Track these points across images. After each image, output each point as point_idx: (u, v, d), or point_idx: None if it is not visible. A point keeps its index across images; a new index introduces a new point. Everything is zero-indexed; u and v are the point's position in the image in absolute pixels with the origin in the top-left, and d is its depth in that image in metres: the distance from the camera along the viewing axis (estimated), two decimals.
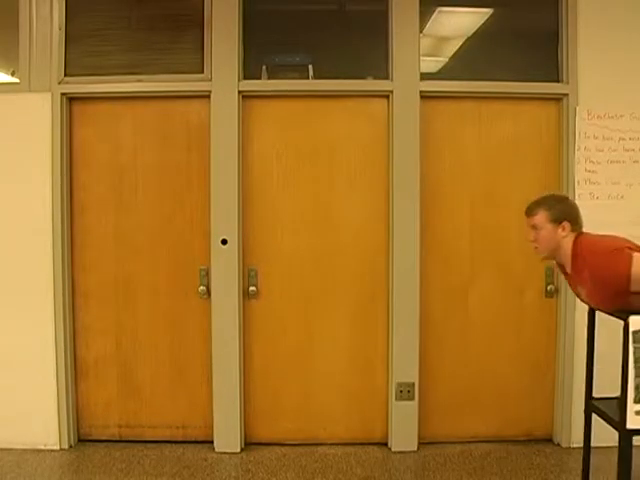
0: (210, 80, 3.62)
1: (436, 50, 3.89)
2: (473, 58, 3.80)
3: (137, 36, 3.70)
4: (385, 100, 3.67)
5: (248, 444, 3.75)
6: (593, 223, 3.80)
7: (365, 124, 3.71)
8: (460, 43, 3.86)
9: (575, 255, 2.56)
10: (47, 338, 3.63)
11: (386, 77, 3.65)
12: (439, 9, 3.76)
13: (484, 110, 3.74)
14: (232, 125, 3.61)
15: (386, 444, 3.75)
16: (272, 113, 3.72)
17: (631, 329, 2.43)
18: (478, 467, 3.48)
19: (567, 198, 2.85)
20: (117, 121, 3.72)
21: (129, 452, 3.64)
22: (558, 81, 3.69)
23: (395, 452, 3.65)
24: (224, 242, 3.61)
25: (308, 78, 3.70)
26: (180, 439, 3.79)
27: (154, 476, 3.37)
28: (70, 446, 3.70)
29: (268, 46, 3.73)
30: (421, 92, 3.63)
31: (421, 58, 3.65)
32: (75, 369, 3.75)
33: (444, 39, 3.90)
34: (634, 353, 2.44)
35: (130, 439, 3.78)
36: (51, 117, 3.59)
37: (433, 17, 3.75)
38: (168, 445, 3.73)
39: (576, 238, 2.59)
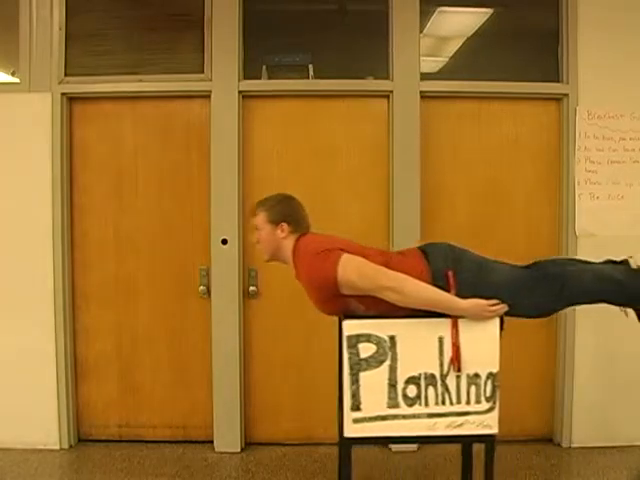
0: (210, 80, 3.62)
1: (436, 50, 3.89)
2: (473, 58, 3.80)
3: (137, 36, 3.69)
4: (385, 100, 3.67)
5: (248, 444, 3.76)
6: (593, 223, 3.82)
7: (365, 124, 3.71)
8: (460, 43, 3.87)
9: (294, 257, 2.45)
10: (47, 338, 3.63)
11: (386, 77, 3.65)
12: (439, 9, 3.76)
13: (484, 110, 3.74)
14: (232, 125, 3.61)
15: (386, 444, 3.74)
16: (272, 113, 3.72)
17: (345, 334, 2.32)
18: (478, 467, 3.47)
19: (290, 198, 2.60)
20: (117, 121, 3.72)
21: (129, 452, 3.64)
22: (558, 81, 3.69)
23: (395, 452, 3.65)
24: (224, 242, 3.62)
25: (308, 78, 3.70)
26: (180, 439, 3.79)
27: (154, 476, 3.37)
28: (70, 446, 3.70)
29: (268, 46, 3.72)
30: (421, 92, 3.63)
31: (421, 58, 3.65)
32: (75, 369, 3.75)
33: (444, 39, 3.90)
34: (349, 359, 2.33)
35: (130, 439, 3.78)
36: (51, 117, 3.59)
37: (433, 17, 3.75)
38: (168, 445, 3.73)
39: (297, 239, 2.47)
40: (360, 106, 3.73)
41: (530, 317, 2.56)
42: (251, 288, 3.68)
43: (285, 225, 2.46)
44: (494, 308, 2.31)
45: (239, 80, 3.62)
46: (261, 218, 2.49)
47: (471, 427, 2.37)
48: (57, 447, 3.67)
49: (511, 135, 3.75)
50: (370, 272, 2.28)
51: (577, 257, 2.75)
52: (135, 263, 3.74)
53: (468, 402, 2.35)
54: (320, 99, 3.71)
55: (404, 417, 2.35)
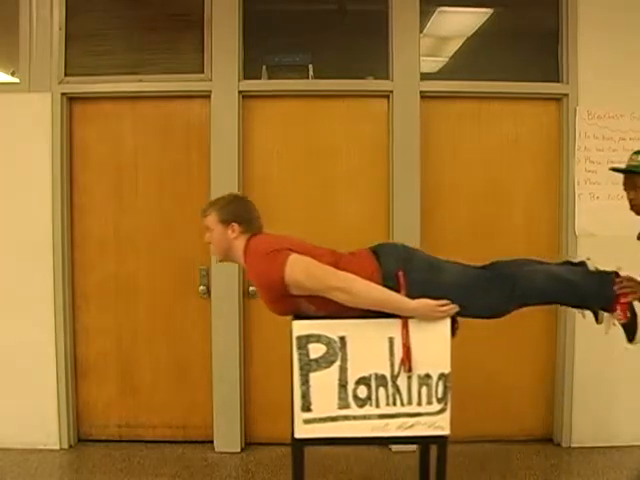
0: (210, 80, 3.62)
1: (436, 50, 3.89)
2: (473, 58, 3.81)
3: (137, 36, 3.70)
4: (385, 100, 3.67)
5: (248, 444, 3.76)
6: (593, 223, 3.82)
7: (365, 124, 3.71)
8: (460, 43, 3.87)
9: (245, 257, 2.43)
10: (47, 338, 3.63)
11: (386, 77, 3.65)
12: (439, 9, 3.76)
13: (484, 110, 3.74)
14: (232, 125, 3.61)
15: (386, 444, 3.74)
16: (272, 113, 3.72)
17: (295, 334, 2.31)
18: (478, 467, 3.48)
19: (241, 199, 2.62)
20: (117, 121, 3.72)
21: (129, 452, 3.64)
22: (558, 81, 3.69)
23: (395, 452, 3.65)
24: None
25: (308, 78, 3.70)
26: (180, 439, 3.79)
27: (154, 476, 3.37)
28: (70, 446, 3.70)
29: (268, 46, 3.72)
30: (421, 92, 3.63)
31: (421, 58, 3.65)
32: (75, 369, 3.75)
33: (444, 39, 3.90)
34: (299, 360, 2.32)
35: (130, 439, 3.78)
36: (51, 117, 3.59)
37: (433, 17, 3.75)
38: (168, 445, 3.73)
39: (248, 240, 2.44)
40: (360, 106, 3.73)
41: (482, 317, 2.54)
42: (251, 288, 3.68)
43: (236, 225, 2.43)
44: (444, 308, 2.30)
45: (239, 80, 3.62)
46: (212, 218, 2.46)
47: (423, 428, 2.34)
48: (57, 447, 3.67)
49: (511, 135, 3.75)
50: (318, 272, 2.26)
51: (536, 258, 2.71)
52: (135, 263, 3.74)
53: (419, 403, 2.33)
54: (320, 99, 3.71)
55: (355, 418, 2.33)
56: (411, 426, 2.34)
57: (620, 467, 3.46)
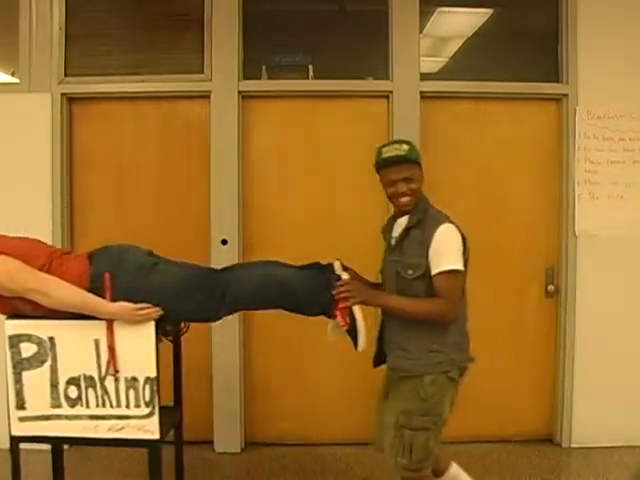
0: (210, 80, 3.62)
1: (436, 50, 3.89)
2: (473, 58, 3.81)
3: (137, 36, 3.70)
4: (385, 100, 3.67)
5: (248, 444, 3.75)
6: (593, 223, 3.82)
7: (365, 124, 3.71)
8: (460, 43, 3.87)
9: None
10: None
11: (386, 77, 3.65)
12: (439, 9, 3.76)
13: (484, 110, 3.74)
14: (232, 125, 3.61)
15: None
16: (272, 113, 3.72)
17: (7, 333, 2.33)
18: (478, 467, 3.48)
19: None
20: (117, 121, 3.72)
21: (129, 452, 3.63)
22: (558, 81, 3.69)
23: None
24: (224, 242, 3.61)
25: (308, 78, 3.70)
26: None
27: None
28: (70, 446, 3.69)
29: (268, 46, 3.72)
30: (421, 92, 3.63)
31: (421, 58, 3.65)
32: None
33: (444, 39, 3.91)
34: (12, 358, 2.34)
35: None
36: (51, 117, 3.59)
37: (433, 17, 3.75)
38: (168, 445, 3.72)
39: None
40: (360, 106, 3.73)
41: (197, 321, 2.60)
42: None
43: None
44: (143, 312, 2.30)
45: (239, 80, 3.62)
46: None
47: (132, 431, 2.37)
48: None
49: (511, 135, 3.75)
50: (20, 275, 2.26)
51: (279, 261, 2.60)
52: None
53: (128, 406, 2.36)
54: (320, 99, 3.71)
55: (67, 417, 2.37)
56: (121, 428, 2.38)
57: (620, 467, 3.46)
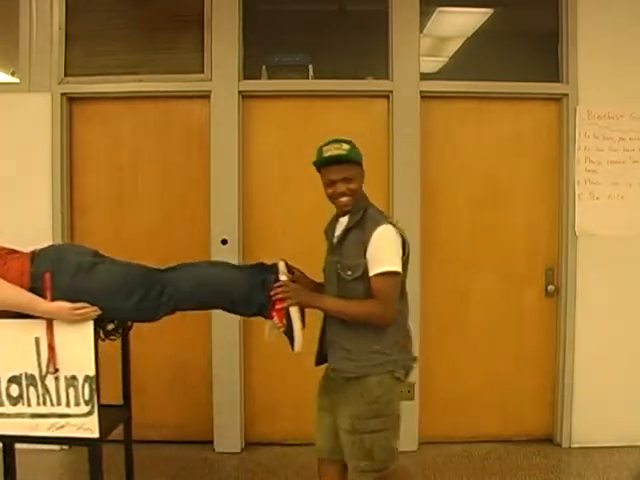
0: (210, 80, 3.62)
1: (436, 50, 3.89)
2: (473, 58, 3.81)
3: (137, 36, 3.70)
4: (385, 100, 3.67)
5: (248, 444, 3.75)
6: (593, 223, 3.82)
7: (365, 124, 3.71)
8: (460, 43, 3.87)
9: None
10: None
11: (386, 77, 3.65)
12: (439, 9, 3.76)
13: (484, 110, 3.74)
14: (232, 125, 3.61)
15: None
16: (272, 113, 3.72)
17: None
18: (478, 467, 3.48)
19: None
20: (117, 121, 3.72)
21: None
22: (558, 81, 3.69)
23: None
24: (224, 242, 3.61)
25: (308, 78, 3.70)
26: (180, 439, 3.79)
27: (154, 476, 3.36)
28: (70, 446, 3.69)
29: (268, 46, 3.73)
30: (421, 92, 3.63)
31: (421, 58, 3.65)
32: None
33: (444, 39, 3.91)
34: None
35: None
36: (51, 117, 3.59)
37: (433, 17, 3.75)
38: (168, 445, 3.73)
39: None
40: (360, 106, 3.73)
41: (138, 321, 2.60)
42: None
43: None
44: (80, 312, 2.31)
45: (239, 80, 3.62)
46: None
47: (72, 430, 2.37)
48: (57, 447, 3.66)
49: (511, 135, 3.75)
50: None
51: (220, 261, 2.64)
52: None
53: (68, 404, 2.36)
54: (320, 99, 3.71)
55: (9, 416, 2.37)
56: (62, 427, 2.38)
57: (620, 467, 3.46)
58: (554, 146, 3.73)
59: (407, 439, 3.67)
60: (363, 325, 2.28)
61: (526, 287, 3.77)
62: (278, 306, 2.35)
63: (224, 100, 3.61)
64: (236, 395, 3.67)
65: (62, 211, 3.62)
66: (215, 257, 3.61)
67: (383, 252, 2.25)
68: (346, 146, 2.33)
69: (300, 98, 3.70)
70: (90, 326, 2.34)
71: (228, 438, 3.69)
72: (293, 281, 2.43)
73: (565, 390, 3.71)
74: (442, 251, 3.75)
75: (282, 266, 2.43)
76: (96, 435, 2.38)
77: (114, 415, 2.68)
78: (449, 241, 3.75)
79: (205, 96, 3.63)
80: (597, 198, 3.65)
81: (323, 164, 2.35)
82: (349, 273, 2.29)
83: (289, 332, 2.37)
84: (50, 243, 3.55)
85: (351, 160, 2.33)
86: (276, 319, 2.37)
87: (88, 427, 2.37)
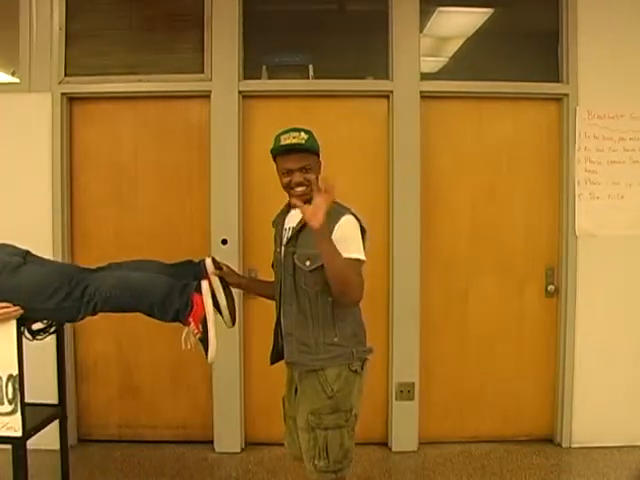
0: (210, 80, 3.62)
1: (436, 50, 3.89)
2: (473, 58, 3.80)
3: (137, 36, 3.70)
4: (385, 100, 3.67)
5: (248, 444, 3.75)
6: (593, 223, 3.82)
7: (365, 124, 3.71)
8: (460, 43, 3.87)
9: None
10: (48, 339, 3.61)
11: (386, 77, 3.65)
12: (439, 9, 3.76)
13: (484, 110, 3.74)
14: (232, 125, 3.61)
15: (386, 444, 3.74)
16: (272, 113, 3.71)
17: None
18: (478, 467, 3.48)
19: None
20: (117, 121, 3.73)
21: (129, 452, 3.64)
22: (558, 81, 3.69)
23: (395, 452, 3.65)
24: (224, 242, 3.61)
25: (308, 78, 3.70)
26: (180, 439, 3.79)
27: (154, 476, 3.37)
28: (70, 446, 3.69)
29: (268, 46, 3.72)
30: (421, 92, 3.63)
31: (421, 58, 3.65)
32: (75, 369, 3.75)
33: (444, 39, 3.90)
34: None
35: (130, 439, 3.78)
36: (51, 117, 3.59)
37: (433, 17, 3.75)
38: (168, 445, 3.73)
39: None
40: (360, 106, 3.73)
41: (61, 321, 2.63)
42: None
43: None
44: (2, 312, 2.33)
45: (239, 80, 3.62)
46: None
47: None
48: (57, 447, 3.65)
49: (511, 135, 3.75)
50: None
51: (154, 260, 2.68)
52: None
53: None
54: (320, 99, 3.71)
55: None
56: None
57: (620, 467, 3.47)
58: (554, 146, 3.73)
59: (407, 439, 3.69)
60: (319, 317, 2.24)
61: (526, 287, 3.77)
62: (196, 307, 2.32)
63: (224, 100, 3.61)
64: (236, 395, 3.67)
65: (62, 211, 3.62)
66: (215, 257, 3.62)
67: (351, 240, 2.23)
68: (305, 135, 2.32)
69: (300, 98, 3.70)
70: (13, 326, 2.37)
71: (228, 438, 3.69)
72: (221, 277, 2.42)
73: (565, 390, 3.72)
74: (442, 251, 3.75)
75: (209, 263, 2.43)
76: (19, 434, 2.40)
77: (46, 414, 2.71)
78: (449, 240, 3.75)
79: (205, 96, 3.63)
80: (597, 198, 3.65)
81: (280, 152, 2.33)
82: (307, 264, 2.24)
83: (204, 340, 2.32)
84: (48, 243, 3.59)
85: (310, 150, 2.30)
86: (192, 326, 2.34)
87: (11, 426, 2.40)
